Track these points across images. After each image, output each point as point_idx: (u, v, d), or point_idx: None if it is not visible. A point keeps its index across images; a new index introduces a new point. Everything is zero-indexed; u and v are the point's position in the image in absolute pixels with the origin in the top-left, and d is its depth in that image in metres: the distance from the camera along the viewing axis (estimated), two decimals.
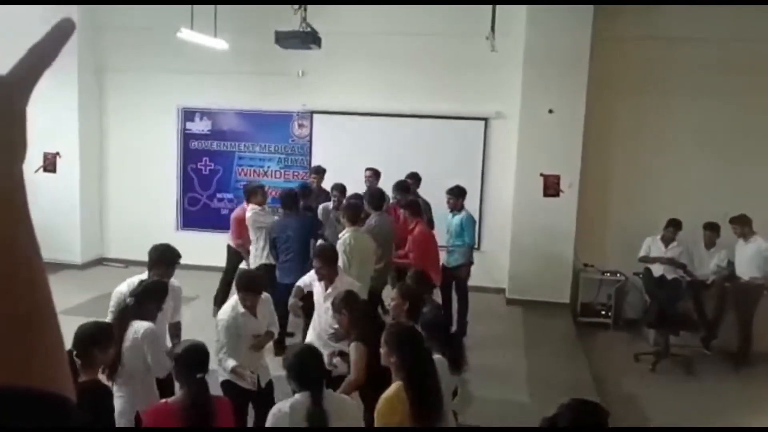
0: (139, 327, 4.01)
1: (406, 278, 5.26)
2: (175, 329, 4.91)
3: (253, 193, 7.44)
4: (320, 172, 8.57)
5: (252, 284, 4.72)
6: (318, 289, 5.31)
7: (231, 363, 4.47)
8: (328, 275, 5.19)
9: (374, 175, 8.21)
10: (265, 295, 4.97)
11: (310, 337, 5.24)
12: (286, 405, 3.31)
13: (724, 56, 8.49)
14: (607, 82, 8.78)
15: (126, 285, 4.61)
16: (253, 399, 4.61)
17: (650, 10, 8.45)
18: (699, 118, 8.77)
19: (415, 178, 8.14)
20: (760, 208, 7.93)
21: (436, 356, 3.80)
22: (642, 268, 8.29)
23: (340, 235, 6.39)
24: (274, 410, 3.34)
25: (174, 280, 4.84)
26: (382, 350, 3.44)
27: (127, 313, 4.10)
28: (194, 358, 3.49)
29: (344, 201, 7.21)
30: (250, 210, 7.30)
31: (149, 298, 4.19)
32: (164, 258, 4.77)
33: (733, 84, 8.52)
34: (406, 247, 6.93)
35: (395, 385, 3.31)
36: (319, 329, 5.21)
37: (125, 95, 10.30)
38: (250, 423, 4.58)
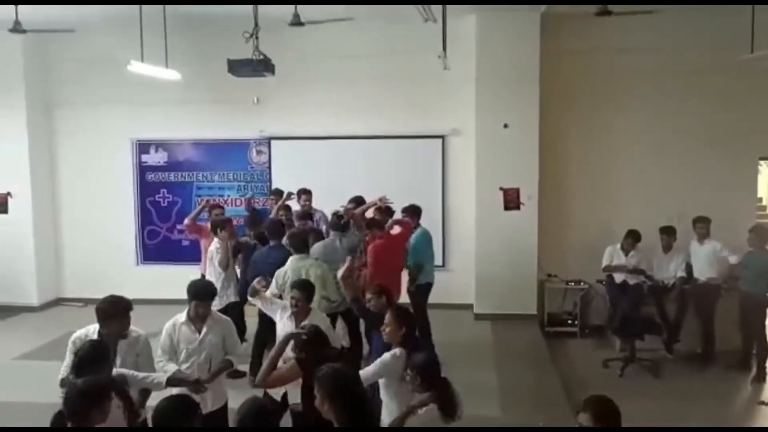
0: None
1: (368, 295, 5.11)
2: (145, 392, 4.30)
3: (221, 226, 7.10)
4: (279, 194, 8.51)
5: (199, 292, 4.62)
6: (287, 324, 5.02)
7: (172, 366, 4.42)
8: (303, 309, 4.95)
9: (310, 197, 8.29)
10: (225, 318, 4.89)
11: None
12: None
13: (668, 64, 8.77)
14: (558, 94, 8.96)
15: (85, 331, 4.27)
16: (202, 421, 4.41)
17: (593, 23, 8.66)
18: (648, 125, 9.00)
19: (357, 202, 7.91)
20: (711, 209, 8.14)
21: (428, 407, 3.66)
22: (604, 276, 8.44)
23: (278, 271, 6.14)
24: None
25: (138, 330, 4.38)
26: (317, 395, 3.11)
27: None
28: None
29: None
30: (216, 244, 7.01)
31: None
32: (117, 310, 4.22)
33: (680, 90, 8.81)
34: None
35: None
36: None
37: (77, 130, 10.11)
38: None
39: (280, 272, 6.10)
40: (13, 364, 7.54)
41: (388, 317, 4.30)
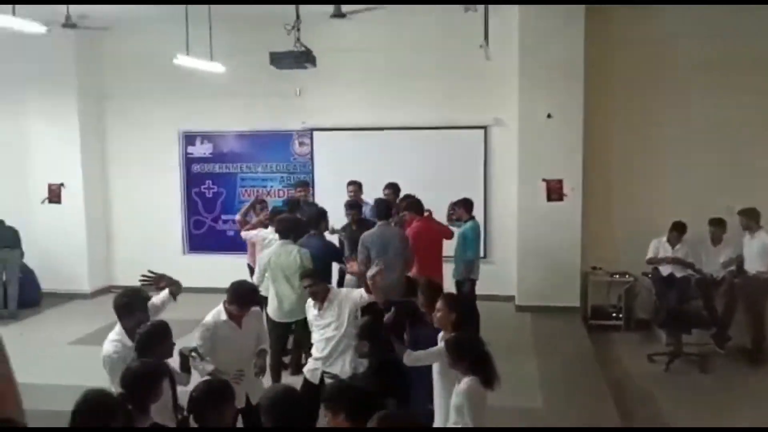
0: None
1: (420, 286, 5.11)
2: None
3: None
4: (306, 185, 8.67)
5: (242, 299, 4.69)
6: (311, 311, 5.23)
7: (209, 367, 4.44)
8: (321, 293, 5.13)
9: (359, 188, 8.24)
10: (256, 309, 5.01)
11: (311, 364, 5.21)
12: None
13: (719, 53, 8.51)
14: (603, 83, 8.79)
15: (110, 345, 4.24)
16: (242, 415, 4.55)
17: (641, 10, 8.49)
18: (697, 115, 8.75)
19: (393, 188, 7.96)
20: (764, 202, 7.90)
21: (469, 378, 3.73)
22: (650, 269, 8.28)
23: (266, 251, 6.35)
24: None
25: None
26: (327, 413, 3.13)
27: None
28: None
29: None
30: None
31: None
32: (136, 304, 4.35)
33: (730, 79, 8.53)
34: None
35: None
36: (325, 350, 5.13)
37: (126, 122, 10.37)
38: None
39: (263, 257, 6.28)
40: (68, 348, 7.82)
41: (439, 303, 4.35)
